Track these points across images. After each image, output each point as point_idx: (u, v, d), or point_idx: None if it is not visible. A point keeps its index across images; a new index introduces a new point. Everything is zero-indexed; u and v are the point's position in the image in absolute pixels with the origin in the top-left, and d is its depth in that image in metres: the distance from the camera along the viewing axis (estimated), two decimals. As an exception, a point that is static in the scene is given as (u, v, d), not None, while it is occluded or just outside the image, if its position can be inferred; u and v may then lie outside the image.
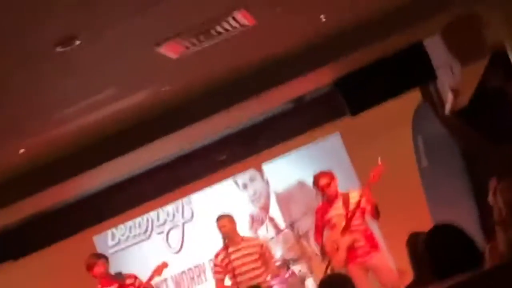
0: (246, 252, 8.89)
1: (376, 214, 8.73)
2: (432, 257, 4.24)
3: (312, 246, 9.45)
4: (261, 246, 9.06)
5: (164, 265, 8.97)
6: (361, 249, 8.81)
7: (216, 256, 9.05)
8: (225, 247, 8.89)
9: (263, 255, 8.95)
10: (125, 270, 9.18)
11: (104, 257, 9.00)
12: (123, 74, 5.77)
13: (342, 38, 7.15)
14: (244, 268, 8.80)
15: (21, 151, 6.66)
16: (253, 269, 8.85)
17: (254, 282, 8.66)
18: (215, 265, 9.06)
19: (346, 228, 8.77)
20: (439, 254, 4.20)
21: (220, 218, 9.02)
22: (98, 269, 8.82)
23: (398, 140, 10.28)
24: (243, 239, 9.04)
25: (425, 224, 7.20)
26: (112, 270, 8.99)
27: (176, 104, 7.26)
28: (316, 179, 8.95)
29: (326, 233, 8.91)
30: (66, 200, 9.96)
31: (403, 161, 9.97)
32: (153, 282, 8.94)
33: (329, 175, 8.93)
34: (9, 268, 11.19)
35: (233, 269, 8.72)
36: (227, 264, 8.83)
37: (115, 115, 6.85)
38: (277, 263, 9.70)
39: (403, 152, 10.14)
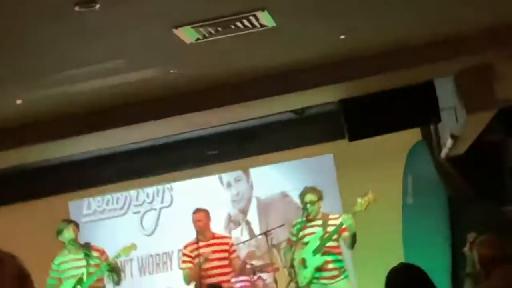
0: (215, 248, 8.90)
1: (352, 243, 8.73)
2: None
3: (282, 258, 9.42)
4: (231, 245, 9.08)
5: (133, 246, 8.94)
6: (329, 272, 8.79)
7: (186, 246, 9.06)
8: (196, 240, 8.90)
9: (231, 253, 8.97)
10: (94, 242, 9.13)
11: (75, 224, 8.96)
12: (136, 48, 5.77)
13: (356, 61, 7.15)
14: (210, 264, 8.79)
15: (19, 101, 6.64)
16: (219, 266, 8.85)
17: (219, 279, 8.67)
18: (184, 254, 9.06)
19: (320, 249, 8.77)
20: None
21: (197, 211, 9.03)
22: (68, 234, 8.78)
23: (388, 172, 10.30)
24: (214, 235, 9.05)
25: (396, 261, 7.23)
26: (81, 240, 8.94)
27: (180, 90, 7.26)
28: (305, 192, 8.93)
29: (297, 248, 8.90)
30: (50, 160, 9.93)
31: (389, 194, 9.98)
32: (118, 260, 8.90)
33: (319, 194, 8.92)
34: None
35: (200, 263, 8.73)
36: (195, 256, 8.83)
37: (118, 87, 6.84)
38: (247, 266, 9.70)
39: (391, 186, 10.15)
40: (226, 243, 9.07)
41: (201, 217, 8.95)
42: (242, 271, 9.16)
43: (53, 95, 6.72)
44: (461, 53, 7.05)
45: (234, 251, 9.11)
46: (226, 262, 8.93)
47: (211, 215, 9.21)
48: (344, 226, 8.63)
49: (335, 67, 7.22)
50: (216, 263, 8.85)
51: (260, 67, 7.01)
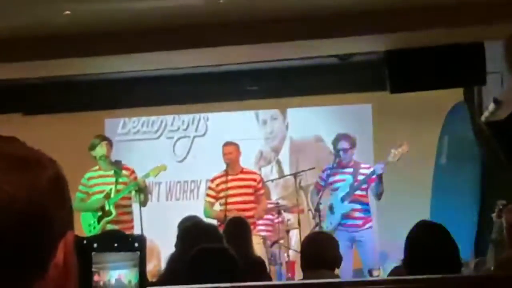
0: (242, 183, 8.92)
1: (380, 194, 8.74)
2: (410, 250, 4.25)
3: (308, 201, 9.46)
4: (258, 181, 9.07)
5: (163, 167, 8.98)
6: (355, 220, 8.82)
7: (213, 180, 9.08)
8: (225, 173, 8.92)
9: (258, 190, 8.98)
10: (125, 162, 9.20)
11: (109, 141, 9.01)
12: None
13: (407, 12, 7.05)
14: (236, 199, 8.83)
15: (66, 12, 6.65)
16: (245, 201, 8.88)
17: (242, 214, 8.71)
18: (210, 188, 9.09)
19: (348, 196, 8.79)
20: (417, 249, 4.21)
21: (227, 144, 9.03)
22: (100, 150, 8.85)
23: (426, 129, 10.25)
24: (242, 170, 9.06)
25: (422, 218, 7.22)
26: (113, 158, 9.01)
27: (227, 20, 7.21)
28: (338, 139, 8.92)
29: (325, 194, 8.92)
30: (93, 75, 9.98)
31: (423, 152, 9.94)
32: (147, 180, 8.97)
33: (352, 141, 8.92)
34: (19, 121, 11.29)
35: (226, 196, 8.76)
36: (221, 190, 8.86)
37: (163, 10, 6.82)
38: (270, 205, 9.75)
39: (427, 143, 10.11)
40: (254, 179, 9.06)
41: (232, 150, 8.95)
42: (265, 210, 9.19)
43: (100, 10, 6.72)
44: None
45: (262, 188, 9.11)
46: (251, 198, 8.94)
47: (244, 150, 9.22)
48: (373, 176, 8.64)
49: (385, 16, 7.13)
50: (241, 198, 8.88)
51: (310, 7, 6.94)
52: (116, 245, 1.57)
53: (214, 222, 8.06)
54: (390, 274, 5.87)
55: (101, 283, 1.54)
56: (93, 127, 10.66)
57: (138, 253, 1.58)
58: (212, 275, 3.89)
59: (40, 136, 11.15)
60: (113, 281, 1.55)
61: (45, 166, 1.27)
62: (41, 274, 1.20)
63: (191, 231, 4.93)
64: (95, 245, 1.56)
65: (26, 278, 1.19)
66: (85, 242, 1.56)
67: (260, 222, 9.38)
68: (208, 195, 9.07)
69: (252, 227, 8.86)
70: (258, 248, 8.79)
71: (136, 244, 1.58)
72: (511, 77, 7.44)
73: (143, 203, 8.65)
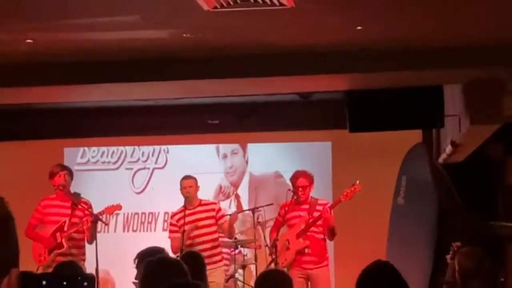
0: (202, 216, 8.92)
1: (331, 234, 8.82)
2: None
3: (265, 237, 9.47)
4: (217, 210, 9.08)
5: (118, 207, 8.98)
6: (310, 257, 8.84)
7: (173, 216, 9.08)
8: (184, 208, 8.92)
9: (219, 219, 8.97)
10: (83, 192, 9.16)
11: (69, 171, 8.97)
12: (152, 6, 5.74)
13: (368, 54, 7.13)
14: (198, 231, 8.82)
15: (28, 41, 6.63)
16: (207, 233, 8.88)
17: (205, 246, 8.69)
18: (171, 224, 9.09)
19: (303, 232, 8.82)
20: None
21: (186, 178, 9.03)
22: (59, 180, 8.79)
23: (384, 169, 10.33)
24: (201, 202, 9.06)
25: (378, 257, 7.25)
26: (72, 188, 8.97)
27: (191, 54, 7.23)
28: (297, 176, 8.97)
29: (282, 230, 8.94)
30: (51, 104, 9.94)
31: (381, 191, 10.01)
32: (102, 216, 8.93)
33: (310, 179, 8.97)
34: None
35: (187, 231, 8.75)
36: (181, 225, 8.84)
37: (128, 43, 6.83)
38: (227, 240, 9.74)
39: (384, 183, 10.17)
40: (213, 209, 9.06)
41: (192, 183, 8.96)
42: (231, 234, 9.18)
43: (62, 40, 6.71)
44: (472, 63, 7.04)
45: (223, 216, 9.10)
46: (214, 228, 8.95)
47: (203, 183, 9.25)
48: (323, 218, 8.71)
49: (347, 57, 7.20)
50: (204, 230, 8.88)
51: (272, 45, 6.99)
52: (65, 283, 1.57)
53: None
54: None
55: None
56: (52, 155, 10.61)
57: None
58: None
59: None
60: None
61: None
62: None
63: (156, 267, 4.89)
64: (44, 282, 1.56)
65: None
66: (34, 279, 1.57)
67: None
68: (171, 231, 9.04)
69: (219, 258, 8.89)
70: (220, 281, 8.80)
71: (85, 283, 1.59)
72: (468, 121, 7.54)
73: (89, 241, 8.65)
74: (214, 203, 9.45)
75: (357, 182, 8.72)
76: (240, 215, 10.82)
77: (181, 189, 8.96)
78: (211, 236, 8.93)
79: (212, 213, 8.99)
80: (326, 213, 8.69)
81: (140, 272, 5.21)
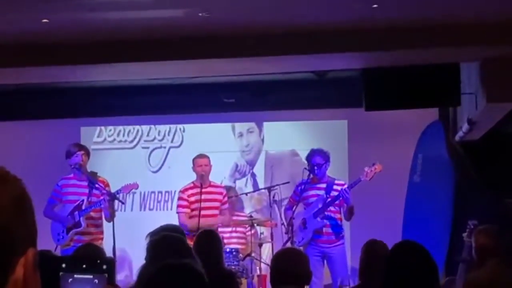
0: (211, 197, 8.94)
1: (348, 215, 8.81)
2: (390, 270, 4.27)
3: (281, 215, 9.48)
4: (224, 195, 9.10)
5: (135, 185, 8.99)
6: (327, 236, 8.85)
7: (183, 191, 9.07)
8: (195, 185, 8.92)
9: (223, 204, 9.00)
10: (99, 171, 9.19)
11: (86, 150, 8.97)
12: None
13: (385, 32, 7.11)
14: (206, 212, 8.84)
15: (44, 20, 6.65)
16: (213, 215, 8.91)
17: (212, 226, 8.71)
18: (181, 198, 9.08)
19: (321, 212, 8.82)
20: (399, 270, 4.23)
21: (203, 156, 9.03)
22: (76, 159, 8.80)
23: (400, 147, 10.31)
24: (211, 183, 9.08)
25: (394, 237, 7.27)
26: (87, 166, 8.99)
27: (206, 33, 7.23)
28: (312, 154, 8.95)
29: (298, 208, 8.95)
30: (70, 83, 9.97)
31: (397, 170, 9.99)
32: (119, 194, 8.95)
33: (326, 156, 8.95)
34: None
35: (197, 209, 8.77)
36: (194, 202, 8.86)
37: (143, 22, 6.83)
38: (243, 219, 9.77)
39: (400, 161, 10.15)
40: (221, 193, 9.09)
41: (207, 162, 8.96)
42: (226, 224, 9.20)
43: (78, 20, 6.72)
44: (488, 42, 7.00)
45: (226, 202, 9.14)
46: (217, 212, 8.98)
47: (219, 162, 9.27)
48: (341, 199, 8.70)
49: (363, 35, 7.18)
50: (210, 211, 8.90)
51: (288, 24, 6.98)
52: (84, 266, 1.58)
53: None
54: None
55: None
56: (68, 134, 10.64)
57: (106, 275, 1.58)
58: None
59: (15, 142, 11.15)
60: None
61: (9, 184, 1.29)
62: None
63: (158, 244, 4.91)
64: (63, 265, 1.56)
65: None
66: (53, 261, 1.57)
67: (233, 234, 9.41)
68: (180, 206, 9.05)
69: (224, 238, 8.89)
70: (230, 260, 8.81)
71: (104, 267, 1.59)
72: (485, 99, 7.51)
73: (109, 219, 8.65)
74: (222, 187, 9.46)
75: (377, 162, 8.69)
76: (256, 193, 10.86)
77: (195, 167, 8.95)
78: (215, 219, 8.96)
79: (219, 196, 9.01)
80: (346, 193, 8.67)
81: (146, 250, 5.24)
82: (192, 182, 8.97)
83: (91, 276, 1.56)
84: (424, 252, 4.28)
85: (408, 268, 4.19)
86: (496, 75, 7.45)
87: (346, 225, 9.43)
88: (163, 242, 4.87)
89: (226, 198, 9.15)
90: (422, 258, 4.25)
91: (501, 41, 7.03)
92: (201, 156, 9.03)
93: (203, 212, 8.77)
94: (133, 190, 9.36)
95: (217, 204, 8.95)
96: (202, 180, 8.88)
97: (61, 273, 1.55)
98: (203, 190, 8.86)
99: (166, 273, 3.48)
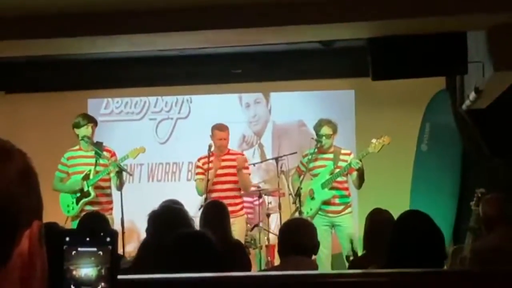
0: (228, 164, 8.95)
1: (359, 183, 8.79)
2: (395, 239, 4.29)
3: (289, 186, 9.51)
4: (243, 160, 9.10)
5: (142, 149, 8.99)
6: (335, 206, 8.87)
7: (199, 159, 9.10)
8: (212, 154, 8.95)
9: (242, 169, 9.00)
10: (107, 143, 9.20)
11: (93, 121, 8.98)
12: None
13: (391, 1, 7.07)
14: (221, 179, 8.88)
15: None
16: (229, 181, 8.94)
17: (226, 194, 8.74)
18: (197, 166, 9.12)
19: (329, 183, 8.84)
20: (404, 239, 4.24)
21: (222, 129, 9.01)
22: (84, 131, 8.82)
23: (407, 116, 10.32)
24: (229, 151, 9.11)
25: (401, 206, 7.28)
26: (94, 138, 9.01)
27: (212, 3, 7.20)
28: (320, 124, 8.96)
29: (306, 178, 8.97)
30: (77, 55, 9.97)
31: (404, 138, 9.99)
32: (126, 162, 8.98)
33: (334, 127, 8.95)
34: (1, 99, 11.29)
35: (212, 176, 8.81)
36: (207, 169, 8.88)
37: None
38: (252, 188, 9.81)
39: (408, 130, 10.16)
40: (239, 158, 9.10)
41: (226, 136, 8.99)
42: (247, 189, 9.21)
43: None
44: (496, 9, 6.96)
45: (246, 167, 9.14)
46: (236, 178, 8.98)
47: (226, 132, 9.29)
48: (352, 167, 8.69)
49: (369, 4, 7.14)
50: (228, 178, 8.93)
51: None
52: (88, 239, 1.59)
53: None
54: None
55: (72, 275, 1.57)
56: (76, 106, 10.66)
57: (110, 247, 1.60)
58: (191, 261, 3.88)
59: (22, 115, 11.19)
60: (82, 274, 1.57)
61: (14, 158, 1.30)
62: (3, 260, 1.23)
63: (160, 216, 4.93)
64: (67, 238, 1.58)
65: None
66: (57, 235, 1.59)
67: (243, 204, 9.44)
68: (197, 173, 9.08)
69: (240, 207, 8.93)
70: (241, 230, 8.86)
71: (108, 239, 1.60)
72: (492, 67, 7.48)
73: (118, 187, 8.66)
74: (241, 154, 9.47)
75: (386, 135, 8.68)
76: (263, 164, 10.88)
77: (213, 138, 8.97)
78: (234, 184, 8.97)
79: (238, 162, 9.00)
80: (357, 164, 8.64)
81: (147, 222, 5.27)
82: (210, 151, 8.98)
83: (95, 249, 1.58)
84: (430, 221, 4.30)
85: (413, 237, 4.21)
86: (504, 43, 7.40)
87: (354, 195, 9.46)
88: (165, 213, 4.89)
89: (246, 163, 9.14)
90: (427, 226, 4.26)
91: (509, 9, 6.98)
92: (220, 128, 9.01)
93: (220, 179, 8.81)
94: (141, 159, 9.36)
95: (234, 170, 8.94)
96: (220, 150, 8.91)
97: (65, 247, 1.56)
98: (221, 158, 8.90)
99: (181, 242, 3.51)
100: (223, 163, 8.93)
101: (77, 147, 8.93)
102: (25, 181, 1.29)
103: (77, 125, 8.84)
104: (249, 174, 9.20)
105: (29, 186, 1.30)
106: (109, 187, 8.89)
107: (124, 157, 8.83)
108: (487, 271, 3.79)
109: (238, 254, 6.25)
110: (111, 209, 8.82)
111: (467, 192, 9.10)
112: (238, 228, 8.67)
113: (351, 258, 8.04)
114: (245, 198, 9.70)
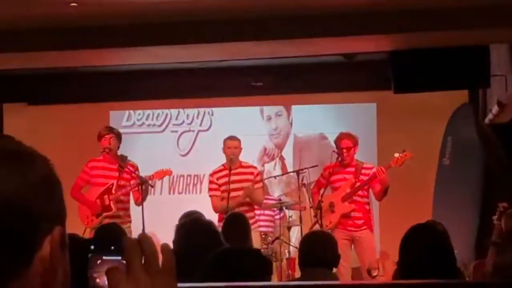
0: (242, 177, 8.90)
1: (382, 195, 8.74)
2: (403, 253, 4.27)
3: (310, 199, 9.48)
4: (256, 174, 9.06)
5: (168, 172, 8.99)
6: (355, 220, 8.83)
7: (213, 174, 9.07)
8: (224, 167, 8.93)
9: (256, 183, 8.95)
10: (129, 155, 9.21)
11: (117, 134, 8.97)
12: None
13: (413, 14, 7.06)
14: (236, 193, 8.82)
15: (73, 4, 6.67)
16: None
17: (242, 208, 8.70)
18: (211, 181, 9.09)
19: (349, 196, 8.79)
20: (409, 252, 4.22)
21: (232, 139, 9.00)
22: (107, 142, 8.81)
23: (429, 130, 10.27)
24: (241, 164, 9.05)
25: (423, 221, 7.23)
26: (118, 151, 9.01)
27: (234, 15, 7.22)
28: (341, 138, 8.92)
29: (326, 192, 8.92)
30: (99, 67, 10.02)
31: (426, 152, 9.95)
32: (150, 181, 8.96)
33: (354, 140, 8.91)
34: (24, 111, 11.35)
35: (229, 190, 8.76)
36: (223, 184, 8.86)
37: (173, 5, 6.83)
38: (272, 202, 9.78)
39: (430, 144, 10.11)
40: (251, 173, 9.04)
41: (237, 144, 8.93)
42: (260, 204, 9.17)
43: (106, 3, 6.74)
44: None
45: (259, 181, 9.10)
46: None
47: (248, 145, 9.25)
48: (376, 178, 8.64)
49: (391, 17, 7.14)
50: (238, 193, 8.88)
51: (315, 6, 6.95)
52: (113, 248, 1.58)
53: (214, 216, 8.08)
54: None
55: (96, 283, 1.56)
56: (97, 118, 10.69)
57: None
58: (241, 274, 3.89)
59: (44, 126, 11.23)
60: (106, 282, 1.57)
61: (37, 163, 1.30)
62: (25, 264, 1.23)
63: (189, 227, 4.94)
64: (92, 246, 1.58)
65: (11, 266, 1.22)
66: (82, 242, 1.59)
67: (261, 218, 9.41)
68: (211, 189, 9.05)
69: (252, 221, 8.88)
70: (258, 244, 8.82)
71: None
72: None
73: (139, 203, 8.66)
74: (254, 167, 9.43)
75: (408, 150, 8.64)
76: (284, 177, 10.86)
77: (224, 149, 8.94)
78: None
79: (250, 177, 8.97)
80: (382, 173, 8.58)
81: (175, 232, 5.27)
82: (222, 165, 8.98)
83: (119, 258, 1.57)
84: (439, 234, 4.26)
85: (416, 252, 4.19)
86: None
87: (375, 208, 9.42)
88: (194, 225, 4.90)
89: (258, 177, 9.12)
90: (436, 240, 4.23)
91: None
92: (231, 138, 9.00)
93: (232, 194, 8.76)
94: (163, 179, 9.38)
95: (247, 184, 8.91)
96: (231, 162, 8.85)
97: (89, 255, 1.56)
98: (233, 172, 8.84)
99: (226, 256, 3.53)
100: (234, 177, 8.85)
101: (100, 157, 8.92)
102: (47, 186, 1.29)
103: (99, 137, 8.84)
104: (261, 187, 9.15)
105: (51, 192, 1.30)
106: (128, 201, 8.89)
107: (149, 176, 8.83)
108: (506, 285, 3.75)
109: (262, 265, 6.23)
110: (130, 222, 8.81)
111: (489, 206, 9.02)
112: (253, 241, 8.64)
113: (373, 274, 7.99)
114: (266, 212, 9.67)
